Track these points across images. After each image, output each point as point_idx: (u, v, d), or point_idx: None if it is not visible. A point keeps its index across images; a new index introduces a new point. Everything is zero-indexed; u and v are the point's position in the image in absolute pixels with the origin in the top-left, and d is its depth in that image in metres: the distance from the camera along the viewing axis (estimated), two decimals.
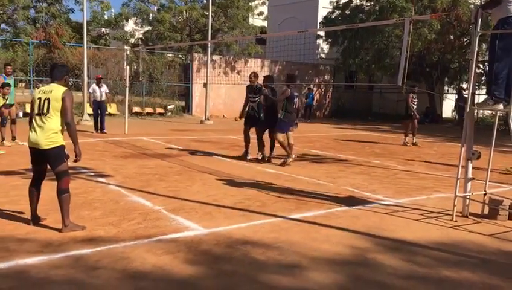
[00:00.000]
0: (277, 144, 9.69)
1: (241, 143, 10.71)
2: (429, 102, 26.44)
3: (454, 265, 4.30)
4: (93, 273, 3.76)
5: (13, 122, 10.75)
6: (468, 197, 5.95)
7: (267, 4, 33.49)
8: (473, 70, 5.71)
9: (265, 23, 35.54)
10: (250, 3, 28.70)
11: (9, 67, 10.83)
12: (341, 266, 4.17)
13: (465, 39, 24.54)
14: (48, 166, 4.85)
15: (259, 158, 9.96)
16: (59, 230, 4.73)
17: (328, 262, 4.23)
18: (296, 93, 9.61)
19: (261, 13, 31.07)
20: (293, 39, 16.99)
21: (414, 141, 14.18)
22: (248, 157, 10.04)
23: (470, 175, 5.92)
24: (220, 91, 23.49)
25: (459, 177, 5.77)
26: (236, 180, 7.75)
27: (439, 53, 24.58)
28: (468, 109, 5.72)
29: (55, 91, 4.70)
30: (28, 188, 4.96)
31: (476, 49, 5.62)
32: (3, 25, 21.26)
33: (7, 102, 10.44)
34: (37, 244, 4.34)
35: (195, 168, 8.84)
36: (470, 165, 5.92)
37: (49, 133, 4.66)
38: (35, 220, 4.94)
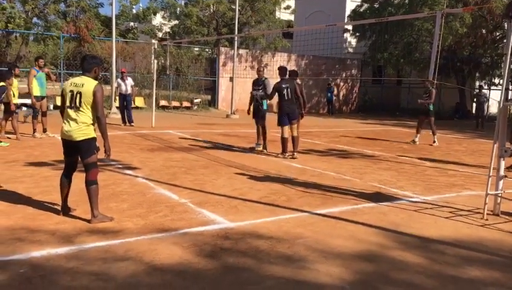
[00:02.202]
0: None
1: (269, 138, 10.71)
2: (459, 98, 25.87)
3: (484, 265, 4.20)
4: (121, 264, 3.82)
5: (44, 114, 10.99)
6: (499, 195, 5.80)
7: None
8: (507, 65, 5.55)
9: (292, 17, 35.33)
10: None
11: (41, 60, 11.03)
12: (367, 263, 4.12)
13: (497, 33, 23.90)
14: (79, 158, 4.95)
15: (257, 148, 10.40)
16: (88, 221, 4.82)
17: (354, 259, 4.19)
18: (285, 85, 9.52)
19: (288, 7, 30.91)
20: (320, 33, 16.85)
21: (434, 140, 13.19)
22: (258, 148, 10.44)
23: (502, 173, 5.77)
24: (246, 85, 23.39)
25: (490, 174, 5.63)
26: (261, 175, 7.75)
27: (470, 47, 24.01)
28: (501, 105, 5.57)
29: (87, 85, 4.75)
30: (60, 179, 5.07)
31: (511, 43, 5.45)
32: (34, 19, 21.71)
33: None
34: (67, 235, 4.43)
35: (221, 161, 8.87)
36: (503, 163, 5.76)
37: (82, 126, 4.75)
38: (65, 210, 5.05)
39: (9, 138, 10.11)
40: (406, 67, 26.87)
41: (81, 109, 4.74)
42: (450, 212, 5.87)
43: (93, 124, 4.83)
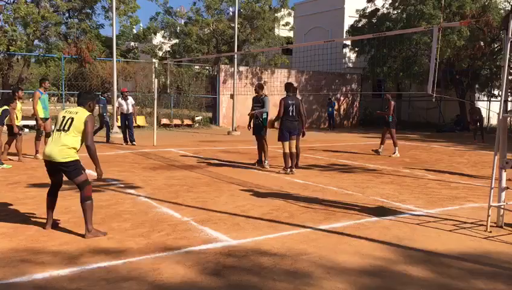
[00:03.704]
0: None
1: (270, 154, 10.75)
2: (460, 110, 25.93)
3: (489, 277, 4.17)
4: (124, 284, 3.81)
5: (47, 135, 11.02)
6: (502, 207, 5.79)
7: (292, 15, 33.64)
8: (505, 77, 5.58)
9: (291, 34, 35.67)
10: (276, 14, 28.88)
11: (47, 82, 11.10)
12: (372, 278, 4.10)
13: (495, 45, 24.04)
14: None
15: (257, 165, 10.51)
16: (83, 236, 4.91)
17: (359, 274, 4.17)
18: (291, 101, 9.61)
19: (286, 24, 31.22)
20: (319, 49, 16.94)
21: (394, 151, 13.28)
22: (256, 165, 10.57)
23: (504, 184, 5.76)
24: (247, 102, 23.49)
25: (493, 186, 5.62)
26: (264, 191, 7.75)
27: (469, 60, 24.14)
28: (501, 117, 5.59)
29: (80, 113, 5.04)
30: (46, 196, 5.32)
31: (508, 55, 5.50)
32: (36, 41, 21.93)
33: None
34: (70, 256, 4.42)
35: (223, 179, 8.88)
36: (504, 174, 5.76)
37: (64, 148, 4.92)
38: (52, 224, 5.29)
39: (11, 160, 10.15)
40: (406, 81, 27.00)
41: (68, 132, 4.96)
42: (454, 225, 5.85)
43: (75, 149, 4.99)
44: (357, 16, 27.56)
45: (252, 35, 27.13)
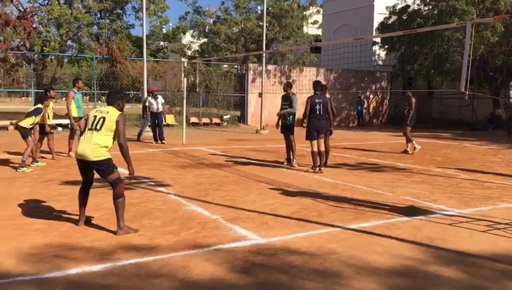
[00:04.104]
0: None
1: (298, 153, 10.73)
2: (493, 107, 25.25)
3: None
4: (155, 281, 3.87)
5: (81, 134, 11.25)
6: None
7: (321, 12, 33.40)
8: None
9: (319, 32, 35.43)
10: (304, 12, 28.75)
11: (80, 81, 11.37)
12: (403, 278, 4.04)
13: None
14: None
15: (285, 163, 10.48)
16: (114, 233, 5.02)
17: (389, 274, 4.11)
18: (318, 100, 9.53)
19: (315, 22, 31.03)
20: (348, 47, 16.80)
21: (406, 149, 13.45)
22: (285, 163, 10.53)
23: None
24: (275, 100, 23.48)
25: None
26: (292, 190, 7.73)
27: (503, 56, 23.46)
28: None
29: (111, 113, 5.12)
30: (78, 193, 5.43)
31: None
32: (69, 42, 22.47)
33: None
34: (102, 252, 4.52)
35: (252, 177, 8.90)
36: None
37: (96, 147, 5.02)
38: (84, 220, 5.42)
39: (45, 158, 10.42)
40: (437, 78, 26.44)
41: (100, 131, 5.05)
42: (487, 225, 5.71)
43: (107, 147, 5.09)
44: (387, 13, 27.13)
45: (281, 33, 27.07)
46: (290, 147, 10.40)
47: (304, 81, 22.09)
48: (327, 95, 10.32)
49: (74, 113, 10.93)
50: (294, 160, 10.36)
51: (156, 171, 9.26)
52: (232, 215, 6.01)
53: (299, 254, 4.56)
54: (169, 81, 24.72)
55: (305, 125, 9.82)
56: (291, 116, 10.32)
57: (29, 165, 9.30)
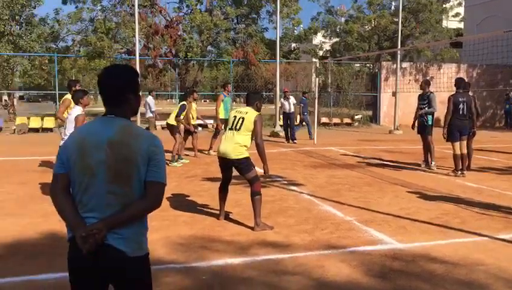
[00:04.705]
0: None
1: (437, 155, 10.09)
2: None
3: None
4: (291, 278, 3.95)
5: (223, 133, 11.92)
6: None
7: (463, 4, 31.05)
8: None
9: (461, 25, 32.98)
10: (444, 5, 26.99)
11: (229, 86, 12.14)
12: None
13: None
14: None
15: (423, 165, 9.93)
16: (251, 228, 5.22)
17: None
18: (461, 99, 8.80)
19: (456, 14, 28.92)
20: (494, 40, 15.38)
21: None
22: (423, 166, 9.99)
23: None
24: (411, 99, 22.38)
25: None
26: (431, 194, 7.31)
27: None
28: None
29: (250, 114, 5.35)
30: (218, 189, 5.73)
31: None
32: (209, 47, 23.99)
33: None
34: (241, 246, 4.74)
35: (386, 179, 8.62)
36: None
37: (237, 146, 5.25)
38: (224, 215, 5.72)
39: (188, 155, 11.22)
40: None
41: (239, 131, 5.29)
42: None
43: (246, 146, 5.31)
44: None
45: (417, 29, 25.76)
46: (428, 148, 9.85)
47: (443, 78, 20.70)
48: (470, 93, 9.57)
49: (221, 114, 11.60)
50: (433, 162, 9.78)
51: (289, 171, 9.43)
52: (366, 217, 5.88)
53: (441, 263, 4.30)
54: (300, 82, 25.00)
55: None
56: (429, 116, 9.75)
57: (178, 160, 10.13)
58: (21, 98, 53.24)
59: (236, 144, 5.27)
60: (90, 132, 2.15)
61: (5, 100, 29.13)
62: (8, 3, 22.13)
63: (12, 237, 4.97)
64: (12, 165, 9.94)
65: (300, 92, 23.58)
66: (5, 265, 4.20)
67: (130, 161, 2.08)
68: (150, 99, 14.97)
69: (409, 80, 22.88)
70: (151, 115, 14.88)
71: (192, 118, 11.07)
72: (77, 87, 7.70)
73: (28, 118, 19.64)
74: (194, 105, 11.26)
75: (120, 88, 2.17)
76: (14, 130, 18.30)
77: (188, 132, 11.05)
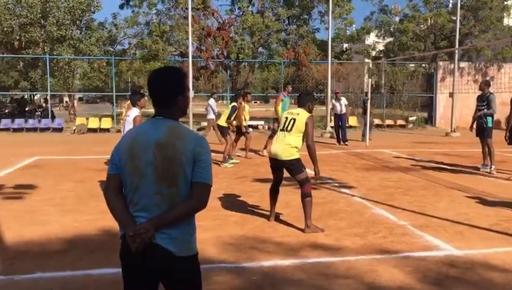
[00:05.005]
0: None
1: (497, 158, 9.64)
2: None
3: None
4: (342, 282, 3.89)
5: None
6: None
7: None
8: None
9: None
10: (505, 2, 25.81)
11: (290, 87, 12.18)
12: None
13: None
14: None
15: (482, 169, 9.53)
16: (302, 230, 5.19)
17: None
18: None
19: None
20: None
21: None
22: (483, 169, 9.56)
23: None
24: (469, 101, 21.53)
25: None
26: (490, 199, 6.99)
27: None
28: None
29: (301, 115, 5.32)
30: (269, 190, 5.74)
31: None
32: (260, 49, 24.11)
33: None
34: (291, 248, 4.72)
35: (442, 183, 8.32)
36: None
37: (287, 147, 5.23)
38: (275, 217, 5.71)
39: (239, 156, 11.31)
40: None
41: (291, 132, 5.27)
42: None
43: (297, 148, 5.26)
44: None
45: (476, 27, 24.79)
46: (488, 151, 9.42)
47: (504, 79, 19.82)
48: None
49: (280, 115, 11.63)
50: (493, 166, 9.34)
51: (340, 173, 9.31)
52: (421, 222, 5.70)
53: (501, 271, 4.10)
54: (352, 83, 24.62)
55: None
56: (488, 118, 9.34)
57: (228, 160, 10.23)
58: (80, 99, 55.63)
59: (287, 145, 5.25)
60: (139, 134, 2.21)
61: (66, 102, 30.60)
62: (69, 9, 23.22)
63: (72, 233, 5.19)
64: (72, 164, 10.39)
65: (352, 93, 23.29)
66: (65, 259, 4.39)
67: (175, 160, 2.11)
68: (211, 101, 15.12)
69: (467, 80, 22.02)
70: (213, 117, 15.02)
71: (245, 119, 11.15)
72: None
73: (87, 119, 20.56)
74: (246, 106, 11.34)
75: (168, 90, 2.21)
76: (74, 130, 19.19)
77: (240, 133, 11.14)
